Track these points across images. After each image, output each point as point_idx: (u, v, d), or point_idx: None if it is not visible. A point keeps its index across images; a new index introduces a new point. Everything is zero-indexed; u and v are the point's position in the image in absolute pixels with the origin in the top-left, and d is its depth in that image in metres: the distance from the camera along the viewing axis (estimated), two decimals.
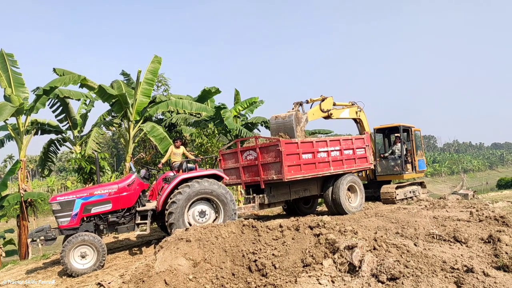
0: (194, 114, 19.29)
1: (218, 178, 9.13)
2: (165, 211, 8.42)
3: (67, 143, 18.76)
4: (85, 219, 8.20)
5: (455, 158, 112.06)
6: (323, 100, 12.36)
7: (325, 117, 12.68)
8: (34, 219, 16.33)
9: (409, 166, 14.10)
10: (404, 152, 14.03)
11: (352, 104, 13.62)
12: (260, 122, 20.06)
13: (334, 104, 12.80)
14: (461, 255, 6.14)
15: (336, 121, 13.20)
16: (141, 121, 16.89)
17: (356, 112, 13.72)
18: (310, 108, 12.27)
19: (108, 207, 8.29)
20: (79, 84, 15.50)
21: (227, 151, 11.46)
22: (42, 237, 7.82)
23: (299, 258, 5.95)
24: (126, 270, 6.99)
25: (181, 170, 9.61)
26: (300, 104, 11.89)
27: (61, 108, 17.83)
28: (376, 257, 5.75)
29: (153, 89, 17.75)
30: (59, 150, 19.04)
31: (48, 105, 16.97)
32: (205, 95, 19.25)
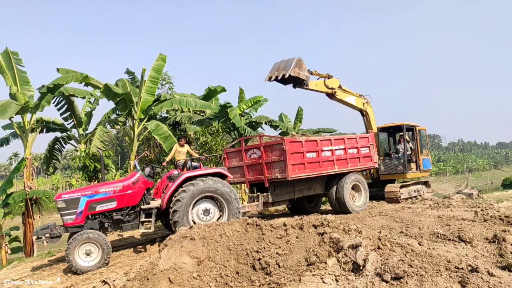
0: (198, 112, 19.30)
1: (222, 176, 9.15)
2: (170, 209, 8.45)
3: (72, 141, 18.83)
4: (90, 216, 8.25)
5: (460, 157, 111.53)
6: (328, 77, 12.44)
7: (328, 95, 12.80)
8: (39, 217, 16.41)
9: (412, 165, 14.04)
10: (409, 151, 13.98)
11: (360, 96, 13.69)
12: (264, 121, 20.06)
13: (340, 87, 12.85)
14: (466, 254, 6.12)
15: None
16: (145, 119, 16.91)
17: (363, 104, 13.75)
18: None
19: (113, 205, 8.33)
20: (83, 82, 15.57)
21: (231, 150, 11.47)
22: (47, 235, 7.88)
23: (303, 257, 5.95)
24: (130, 267, 7.03)
25: (185, 169, 9.63)
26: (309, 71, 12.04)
27: (66, 106, 17.89)
28: (380, 256, 5.75)
29: (158, 87, 17.77)
30: (64, 148, 19.13)
31: (53, 103, 17.04)
32: (210, 94, 19.26)
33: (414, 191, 13.86)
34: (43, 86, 14.87)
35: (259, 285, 5.51)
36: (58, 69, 16.48)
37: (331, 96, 12.87)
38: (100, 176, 15.10)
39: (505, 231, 7.04)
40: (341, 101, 13.24)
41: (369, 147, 12.24)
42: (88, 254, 7.68)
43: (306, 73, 11.61)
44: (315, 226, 6.63)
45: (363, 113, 14.19)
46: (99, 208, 8.23)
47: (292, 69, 11.07)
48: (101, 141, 16.91)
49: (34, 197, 15.25)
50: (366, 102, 13.86)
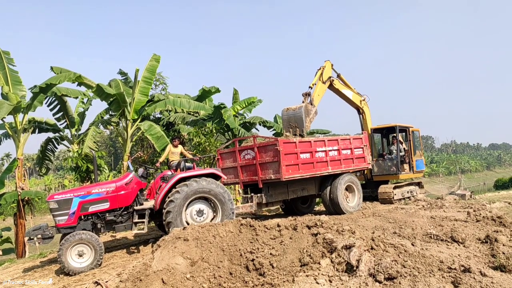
0: (192, 113, 19.25)
1: (216, 177, 9.13)
2: (163, 210, 8.41)
3: (65, 142, 18.70)
4: (82, 217, 8.20)
5: (453, 158, 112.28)
6: (322, 72, 12.65)
7: (329, 87, 13.02)
8: (31, 218, 16.27)
9: (406, 166, 14.10)
10: (402, 152, 14.03)
11: (358, 93, 13.81)
12: (258, 122, 20.05)
13: (338, 75, 13.18)
14: (458, 255, 6.16)
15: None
16: (139, 120, 16.84)
17: (360, 101, 13.85)
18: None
19: (105, 205, 8.28)
20: (76, 82, 15.47)
21: (225, 150, 11.45)
22: (40, 236, 7.80)
23: (297, 258, 5.95)
24: (123, 269, 6.99)
25: (179, 169, 9.59)
26: (308, 94, 12.16)
27: (58, 106, 17.76)
28: (374, 257, 5.76)
29: (151, 88, 17.70)
30: (56, 148, 18.98)
31: (46, 103, 16.92)
32: (204, 95, 19.22)
33: (407, 192, 13.92)
34: (35, 86, 14.75)
35: (253, 286, 5.50)
36: (52, 68, 16.37)
37: (330, 86, 13.12)
38: (93, 177, 15.01)
39: (497, 232, 7.10)
40: (338, 91, 13.38)
41: (362, 148, 12.27)
42: (80, 255, 7.62)
43: (314, 109, 11.88)
44: (308, 227, 6.63)
45: (360, 111, 14.25)
46: (92, 209, 8.17)
47: (305, 124, 11.46)
48: (94, 142, 16.81)
49: (26, 198, 15.12)
50: (363, 100, 13.95)
